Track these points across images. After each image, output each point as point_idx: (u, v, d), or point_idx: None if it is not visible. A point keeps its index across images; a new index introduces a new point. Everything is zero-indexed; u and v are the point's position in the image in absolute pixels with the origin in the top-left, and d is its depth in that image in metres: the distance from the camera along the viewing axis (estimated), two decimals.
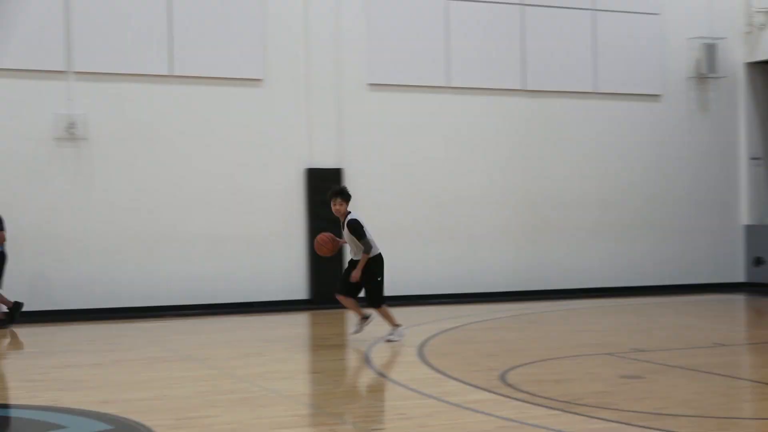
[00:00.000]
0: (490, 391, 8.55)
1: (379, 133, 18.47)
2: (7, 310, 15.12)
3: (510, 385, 8.80)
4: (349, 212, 12.22)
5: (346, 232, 12.15)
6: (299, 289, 17.65)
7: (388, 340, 12.29)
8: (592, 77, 20.05)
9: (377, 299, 12.29)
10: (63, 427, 7.68)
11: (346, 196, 12.23)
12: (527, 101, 19.58)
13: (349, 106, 18.22)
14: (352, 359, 11.44)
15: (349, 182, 17.87)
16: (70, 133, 16.40)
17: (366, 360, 10.87)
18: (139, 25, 16.85)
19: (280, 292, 17.56)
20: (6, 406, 8.47)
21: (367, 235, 12.08)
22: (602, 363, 10.48)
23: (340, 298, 12.39)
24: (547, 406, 7.82)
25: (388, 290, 18.53)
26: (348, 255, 12.54)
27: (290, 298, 17.58)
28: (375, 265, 12.15)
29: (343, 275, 12.56)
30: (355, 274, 12.03)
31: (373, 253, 12.09)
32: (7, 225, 15.22)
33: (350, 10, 18.28)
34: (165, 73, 17.02)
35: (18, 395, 9.01)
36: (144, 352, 12.02)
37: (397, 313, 16.51)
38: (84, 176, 16.56)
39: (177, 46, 17.03)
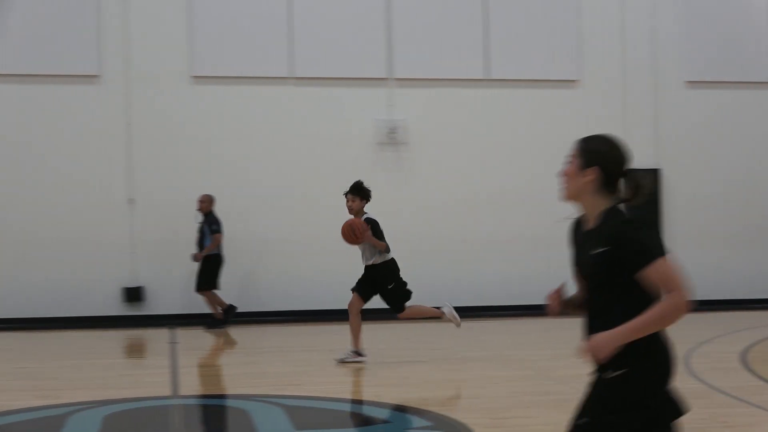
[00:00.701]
0: None
1: (698, 131, 17.88)
2: (222, 311, 15.66)
3: None
4: (366, 212, 11.45)
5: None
6: None
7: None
8: None
9: (398, 305, 11.27)
10: (388, 422, 8.02)
11: (363, 193, 11.41)
12: None
13: (667, 105, 17.77)
14: None
15: (667, 183, 17.47)
16: (391, 138, 16.98)
17: (686, 365, 10.59)
18: (456, 31, 17.21)
19: None
20: (329, 400, 8.90)
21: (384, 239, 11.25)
22: None
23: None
24: None
25: (703, 294, 18.00)
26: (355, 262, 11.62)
27: None
28: (386, 270, 11.28)
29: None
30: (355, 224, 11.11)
31: (387, 257, 11.31)
32: (328, 228, 15.88)
33: (667, 6, 17.82)
34: (481, 77, 17.28)
35: (339, 390, 9.43)
36: (458, 351, 12.25)
37: (713, 318, 15.91)
38: (403, 180, 17.09)
39: (493, 50, 17.25)
